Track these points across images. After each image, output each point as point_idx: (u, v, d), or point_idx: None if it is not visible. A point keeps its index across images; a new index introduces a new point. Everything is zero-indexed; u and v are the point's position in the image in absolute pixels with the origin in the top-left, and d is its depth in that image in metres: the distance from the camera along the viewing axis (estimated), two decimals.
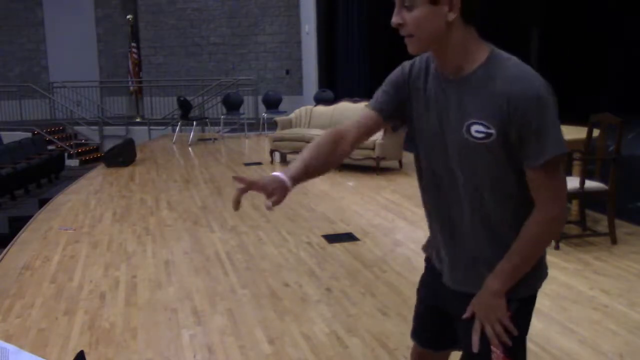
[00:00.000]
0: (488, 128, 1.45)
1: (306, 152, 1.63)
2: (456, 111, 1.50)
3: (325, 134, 1.67)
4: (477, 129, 1.46)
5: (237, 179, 1.49)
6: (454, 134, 1.51)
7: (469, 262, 1.61)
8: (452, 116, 1.51)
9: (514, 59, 1.47)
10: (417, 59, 1.62)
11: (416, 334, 1.86)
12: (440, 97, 1.54)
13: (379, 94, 1.67)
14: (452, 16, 1.42)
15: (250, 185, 1.49)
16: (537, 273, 1.60)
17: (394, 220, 5.61)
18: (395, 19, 1.47)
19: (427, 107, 1.57)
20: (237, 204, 1.51)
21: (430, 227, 1.73)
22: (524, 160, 1.46)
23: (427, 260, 1.80)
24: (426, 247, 1.80)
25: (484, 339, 1.58)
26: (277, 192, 1.48)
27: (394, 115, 1.66)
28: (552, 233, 1.53)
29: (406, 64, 1.65)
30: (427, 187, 1.67)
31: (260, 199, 5.34)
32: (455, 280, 1.65)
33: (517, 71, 1.44)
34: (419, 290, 1.86)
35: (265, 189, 1.48)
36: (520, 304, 1.58)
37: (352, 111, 8.80)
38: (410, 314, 1.97)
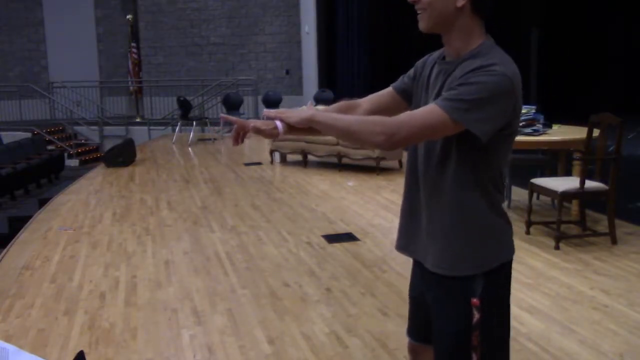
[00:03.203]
0: None
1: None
2: (439, 88, 1.60)
3: (338, 103, 1.83)
4: None
5: (224, 118, 1.73)
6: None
7: (425, 235, 1.68)
8: (436, 92, 1.61)
9: (502, 52, 1.55)
10: (438, 51, 1.72)
11: (409, 329, 1.91)
12: (434, 79, 1.65)
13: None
14: (461, 2, 1.53)
15: (241, 126, 1.68)
16: (492, 242, 1.62)
17: (393, 220, 5.61)
18: None
19: (423, 89, 1.69)
20: (236, 141, 1.71)
21: (403, 211, 1.79)
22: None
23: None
24: (398, 242, 1.83)
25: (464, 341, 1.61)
26: (265, 133, 1.68)
27: (404, 89, 1.78)
28: (371, 131, 1.53)
29: (431, 53, 1.76)
30: (407, 169, 1.75)
31: (260, 199, 5.32)
32: (420, 255, 1.72)
33: (494, 56, 1.52)
34: (410, 286, 1.89)
35: (257, 130, 1.68)
36: (485, 281, 1.59)
37: None
38: None
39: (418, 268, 1.78)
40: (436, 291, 1.67)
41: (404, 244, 1.79)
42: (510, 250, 1.67)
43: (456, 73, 1.54)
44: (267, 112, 1.69)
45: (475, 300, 1.58)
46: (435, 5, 1.54)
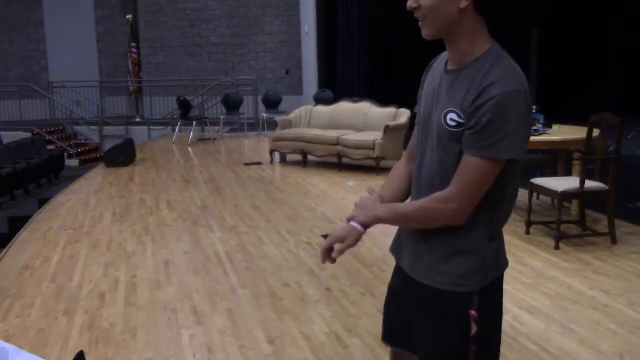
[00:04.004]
0: (460, 118, 1.50)
1: (387, 191, 1.77)
2: (444, 99, 1.56)
3: (399, 165, 1.82)
4: (451, 117, 1.53)
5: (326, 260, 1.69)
6: (437, 120, 1.57)
7: (418, 245, 1.65)
8: (440, 104, 1.57)
9: (510, 61, 1.52)
10: (440, 57, 1.68)
11: (386, 334, 1.83)
12: (437, 86, 1.61)
13: None
14: (464, 3, 1.48)
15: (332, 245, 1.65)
16: (495, 260, 1.60)
17: None
18: (410, 3, 1.54)
19: (427, 96, 1.65)
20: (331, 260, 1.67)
21: None
22: (463, 142, 1.50)
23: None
24: (393, 245, 1.81)
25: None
26: (348, 238, 1.64)
27: None
28: (437, 216, 1.54)
29: (432, 63, 1.72)
30: (413, 175, 1.72)
31: (260, 199, 5.30)
32: (408, 265, 1.69)
33: (504, 70, 1.48)
34: (388, 291, 1.84)
35: (340, 239, 1.65)
36: (480, 297, 1.56)
37: (351, 111, 8.81)
38: None
39: (403, 275, 1.72)
40: (430, 303, 1.61)
41: (399, 251, 1.75)
42: (505, 264, 1.66)
43: (461, 85, 1.51)
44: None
45: (473, 313, 1.55)
46: (438, 10, 1.49)
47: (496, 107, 1.44)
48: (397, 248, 1.77)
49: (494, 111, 1.44)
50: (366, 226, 1.64)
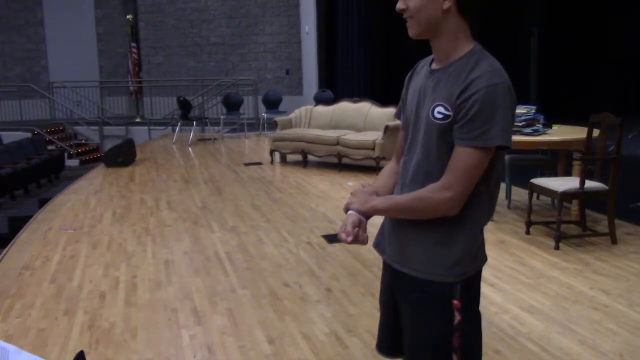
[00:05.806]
0: (447, 110, 1.57)
1: (378, 183, 1.84)
2: (431, 96, 1.63)
3: (389, 164, 1.88)
4: (439, 110, 1.60)
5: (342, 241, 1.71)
6: (425, 115, 1.64)
7: (402, 236, 1.71)
8: (428, 101, 1.64)
9: (492, 59, 1.60)
10: (423, 61, 1.76)
11: (380, 342, 1.86)
12: (423, 85, 1.68)
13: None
14: (447, 4, 1.57)
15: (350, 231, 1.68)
16: (478, 253, 1.67)
17: None
18: (399, 4, 1.63)
19: (412, 97, 1.72)
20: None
21: None
22: (454, 135, 1.56)
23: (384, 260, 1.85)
24: (376, 240, 1.85)
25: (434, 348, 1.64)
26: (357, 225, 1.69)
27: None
28: (433, 204, 1.59)
29: (416, 66, 1.80)
30: (399, 171, 1.77)
31: (260, 199, 5.31)
32: (392, 257, 1.75)
33: (487, 66, 1.56)
34: (380, 295, 1.88)
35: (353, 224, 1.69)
36: (461, 288, 1.63)
37: (352, 111, 8.81)
38: None
39: (389, 270, 1.78)
40: (415, 294, 1.68)
41: (382, 245, 1.81)
42: (485, 259, 1.72)
43: (446, 81, 1.59)
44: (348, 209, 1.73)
45: (456, 302, 1.62)
46: (423, 10, 1.58)
47: (483, 99, 1.52)
48: (380, 242, 1.83)
49: (481, 102, 1.52)
50: (363, 214, 1.69)
